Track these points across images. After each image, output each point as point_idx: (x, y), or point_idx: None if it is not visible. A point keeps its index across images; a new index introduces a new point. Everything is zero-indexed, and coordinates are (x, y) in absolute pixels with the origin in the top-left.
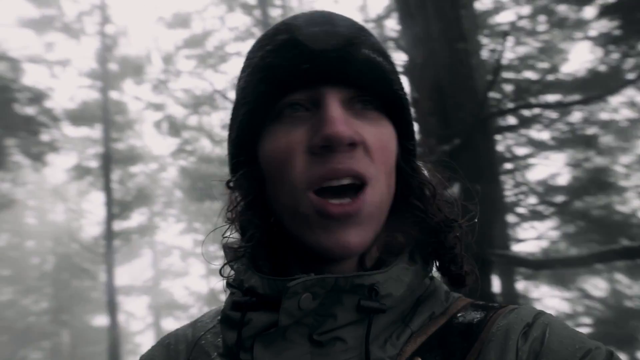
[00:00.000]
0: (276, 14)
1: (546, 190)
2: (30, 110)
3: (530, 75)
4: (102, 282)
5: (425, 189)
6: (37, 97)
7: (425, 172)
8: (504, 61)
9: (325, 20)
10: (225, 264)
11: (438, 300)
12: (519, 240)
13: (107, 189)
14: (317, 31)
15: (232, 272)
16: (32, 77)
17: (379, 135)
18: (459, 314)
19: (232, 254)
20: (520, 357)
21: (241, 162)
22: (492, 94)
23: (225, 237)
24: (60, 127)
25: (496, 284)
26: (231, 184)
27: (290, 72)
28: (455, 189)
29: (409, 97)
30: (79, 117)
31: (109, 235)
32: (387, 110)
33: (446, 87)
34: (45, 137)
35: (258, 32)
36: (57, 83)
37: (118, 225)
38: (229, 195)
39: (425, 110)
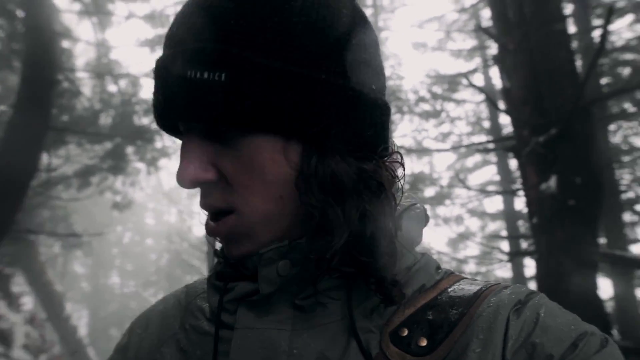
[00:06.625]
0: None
1: None
2: (145, 121)
3: None
4: None
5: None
6: (152, 108)
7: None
8: (620, 42)
9: (177, 31)
10: None
11: (428, 274)
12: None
13: None
14: (162, 58)
15: None
16: (148, 90)
17: (238, 159)
18: (449, 289)
19: None
20: (511, 334)
21: None
22: (606, 79)
23: None
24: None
25: (608, 288)
26: None
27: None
28: (551, 183)
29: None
30: None
31: None
32: (262, 120)
33: (541, 73)
34: (158, 144)
35: None
36: None
37: None
38: None
39: (518, 100)
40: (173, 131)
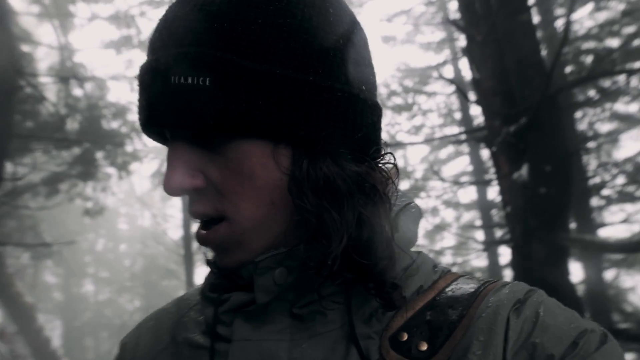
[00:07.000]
0: None
1: (636, 169)
2: (114, 124)
3: (614, 43)
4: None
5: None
6: (120, 111)
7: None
8: (582, 30)
9: (159, 36)
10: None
11: (426, 274)
12: (606, 225)
13: None
14: (145, 64)
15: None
16: (115, 93)
17: (226, 165)
18: (447, 289)
19: None
20: (511, 335)
21: None
22: (570, 67)
23: None
24: (141, 137)
25: (579, 272)
26: None
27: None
28: (523, 171)
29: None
30: None
31: (188, 237)
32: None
33: (509, 63)
34: (128, 148)
35: None
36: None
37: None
38: None
39: (488, 90)
40: (159, 138)
